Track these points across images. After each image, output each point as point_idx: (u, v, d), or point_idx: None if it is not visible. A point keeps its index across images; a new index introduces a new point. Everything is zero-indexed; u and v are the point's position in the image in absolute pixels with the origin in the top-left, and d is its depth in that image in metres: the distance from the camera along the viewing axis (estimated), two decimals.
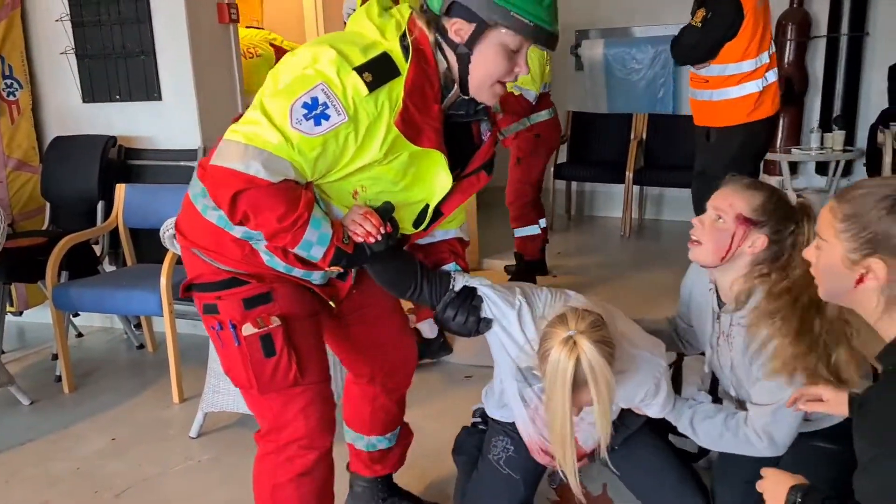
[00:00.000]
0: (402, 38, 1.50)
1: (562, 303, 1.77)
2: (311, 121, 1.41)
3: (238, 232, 1.59)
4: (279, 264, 1.63)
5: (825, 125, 5.21)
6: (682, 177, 5.32)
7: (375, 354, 1.98)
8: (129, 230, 3.43)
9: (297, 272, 1.65)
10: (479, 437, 2.16)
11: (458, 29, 1.51)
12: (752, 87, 3.47)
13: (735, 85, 3.45)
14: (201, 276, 1.65)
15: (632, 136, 5.58)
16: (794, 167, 5.41)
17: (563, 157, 5.83)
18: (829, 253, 1.28)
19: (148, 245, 3.37)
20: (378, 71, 1.44)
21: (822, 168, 5.38)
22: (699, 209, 3.63)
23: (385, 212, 1.58)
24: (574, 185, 6.07)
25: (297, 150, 1.43)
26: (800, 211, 1.78)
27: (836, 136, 5.00)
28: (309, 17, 5.00)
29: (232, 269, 1.62)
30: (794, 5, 5.23)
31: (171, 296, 2.91)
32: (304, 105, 1.41)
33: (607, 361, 1.56)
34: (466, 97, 1.60)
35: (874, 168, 4.93)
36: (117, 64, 3.55)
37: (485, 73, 1.54)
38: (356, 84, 1.42)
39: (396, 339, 2.00)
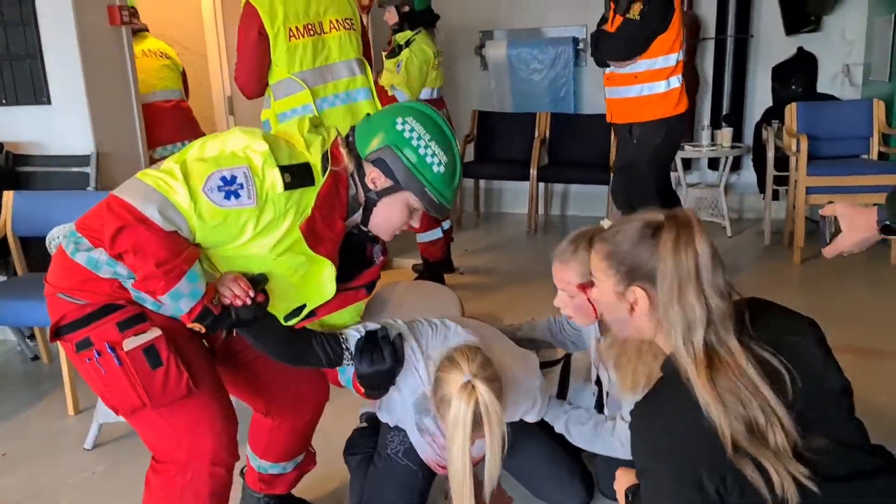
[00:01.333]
0: (325, 156, 1.64)
1: (442, 337, 1.83)
2: (223, 193, 1.51)
3: (106, 273, 1.56)
4: (147, 300, 1.60)
5: (715, 123, 5.48)
6: (584, 173, 5.53)
7: (260, 391, 1.96)
8: (19, 239, 3.32)
9: (167, 309, 1.60)
10: (372, 437, 2.20)
11: (375, 178, 1.69)
12: (676, 81, 3.62)
13: (664, 79, 3.59)
14: (66, 315, 1.59)
15: (535, 135, 5.73)
16: (687, 163, 5.67)
17: (469, 155, 5.94)
18: (603, 290, 1.41)
19: (39, 254, 3.27)
20: (298, 176, 1.58)
21: (713, 164, 5.66)
22: (623, 203, 3.85)
23: (257, 281, 1.62)
24: (482, 182, 6.19)
25: (199, 213, 1.51)
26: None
27: (725, 133, 5.26)
28: (209, 22, 4.91)
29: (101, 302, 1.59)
30: (685, 9, 5.47)
31: None
32: (223, 178, 1.52)
33: (498, 398, 1.64)
34: (365, 227, 1.77)
35: (760, 162, 5.23)
36: (2, 67, 3.43)
37: (385, 221, 1.75)
38: (275, 180, 1.54)
39: (287, 377, 1.95)
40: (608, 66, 3.74)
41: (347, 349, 1.76)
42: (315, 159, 1.62)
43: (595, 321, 1.95)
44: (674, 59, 3.60)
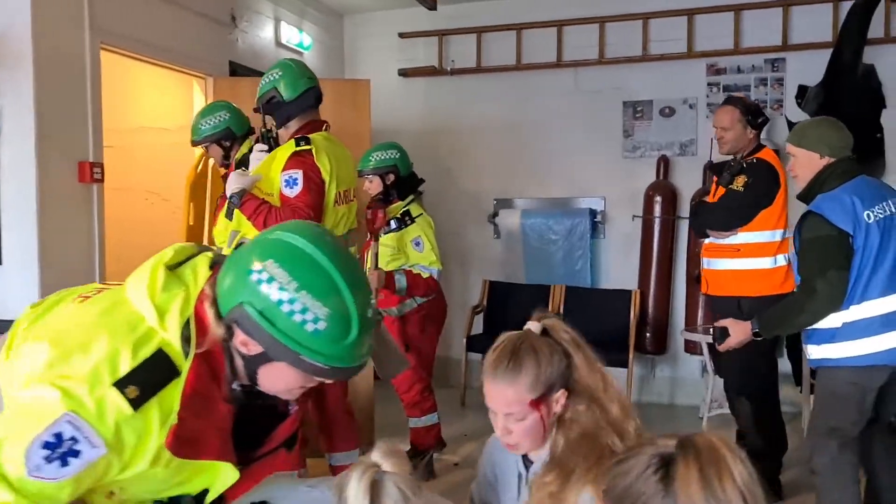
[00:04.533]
0: (185, 327, 1.24)
1: None
2: (56, 462, 1.12)
3: None
4: None
5: None
6: (600, 353, 5.03)
7: None
8: None
9: None
10: None
11: (245, 342, 1.26)
12: (783, 259, 3.50)
13: (770, 255, 3.50)
14: None
15: (549, 308, 5.33)
16: None
17: (478, 327, 5.53)
18: None
19: None
20: (147, 380, 1.19)
21: None
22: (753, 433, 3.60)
23: None
24: None
25: (39, 501, 1.12)
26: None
27: None
28: None
29: None
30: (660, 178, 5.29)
31: None
32: (45, 445, 1.11)
33: None
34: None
35: (795, 351, 4.72)
36: None
37: (275, 387, 1.33)
38: (117, 404, 1.16)
39: None
40: (707, 236, 3.68)
41: None
42: (172, 335, 1.22)
43: (546, 441, 1.63)
44: (780, 234, 3.53)
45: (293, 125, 2.99)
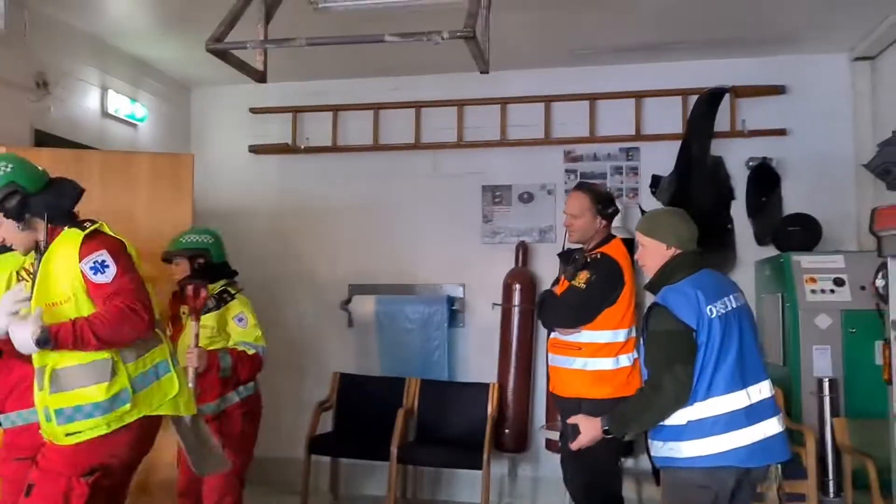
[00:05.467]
0: None
1: None
2: None
3: None
4: None
5: None
6: (455, 454, 4.68)
7: None
8: None
9: None
10: None
11: None
12: (626, 360, 3.37)
13: (612, 356, 3.38)
14: None
15: (403, 403, 4.94)
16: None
17: (326, 425, 5.06)
18: None
19: None
20: None
21: None
22: (581, 496, 3.48)
23: None
24: (343, 460, 5.20)
25: None
26: None
27: None
28: None
29: None
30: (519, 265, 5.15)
31: None
32: None
33: None
34: None
35: None
36: None
37: None
38: None
39: None
40: (554, 330, 3.53)
41: None
42: None
43: None
44: (623, 334, 3.39)
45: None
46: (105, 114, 4.72)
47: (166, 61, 5.16)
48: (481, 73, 3.69)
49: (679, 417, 2.53)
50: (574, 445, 2.70)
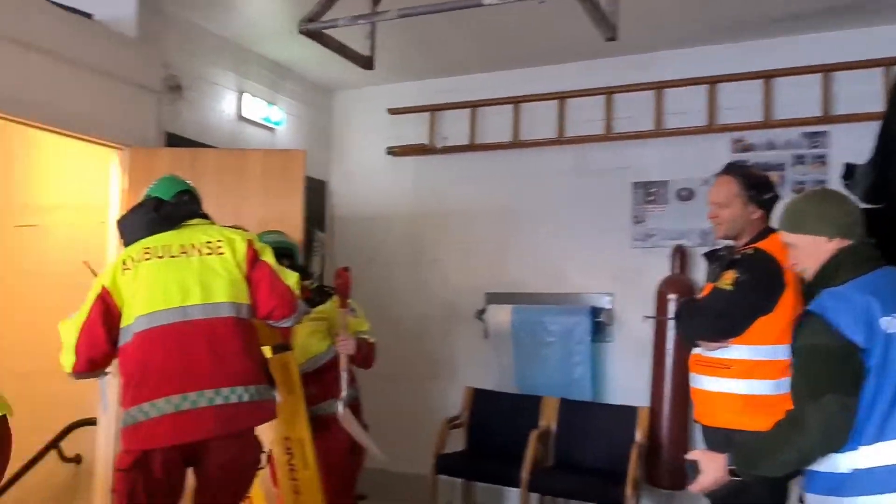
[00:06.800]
0: None
1: None
2: None
3: None
4: None
5: None
6: (592, 486, 4.10)
7: None
8: None
9: None
10: None
11: None
12: (787, 385, 2.52)
13: (771, 378, 2.61)
14: None
15: (538, 426, 4.43)
16: None
17: (458, 444, 4.67)
18: None
19: None
20: None
21: None
22: None
23: None
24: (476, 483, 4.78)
25: None
26: None
27: None
28: None
29: None
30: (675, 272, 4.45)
31: None
32: None
33: None
34: None
35: None
36: None
37: None
38: None
39: None
40: (696, 345, 2.81)
41: None
42: None
43: None
44: (784, 352, 2.40)
45: None
46: (241, 117, 4.71)
47: (305, 64, 5.09)
48: (607, 40, 3.17)
49: (840, 464, 1.88)
50: (694, 488, 2.10)
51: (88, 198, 4.14)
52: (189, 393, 2.36)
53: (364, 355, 3.35)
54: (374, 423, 4.95)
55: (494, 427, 4.64)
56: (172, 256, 2.49)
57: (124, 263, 2.49)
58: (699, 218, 4.50)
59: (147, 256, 2.50)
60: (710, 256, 3.03)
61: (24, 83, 3.30)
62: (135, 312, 2.42)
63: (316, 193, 5.44)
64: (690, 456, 2.11)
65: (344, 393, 3.23)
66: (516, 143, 5.02)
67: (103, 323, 2.42)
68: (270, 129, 4.98)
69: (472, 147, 5.14)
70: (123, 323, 2.43)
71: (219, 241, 2.56)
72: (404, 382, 5.09)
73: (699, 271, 4.43)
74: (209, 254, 2.52)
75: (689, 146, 4.60)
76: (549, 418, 4.49)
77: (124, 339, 2.42)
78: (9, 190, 4.45)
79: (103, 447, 3.56)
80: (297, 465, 2.97)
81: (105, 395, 2.65)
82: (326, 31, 3.18)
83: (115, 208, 3.69)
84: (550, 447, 4.43)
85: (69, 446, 4.05)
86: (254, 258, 2.58)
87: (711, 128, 4.54)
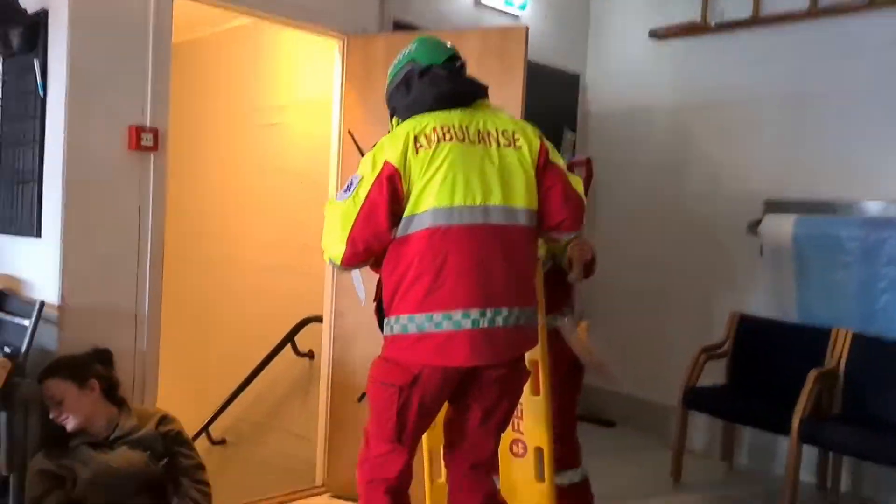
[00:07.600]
0: None
1: None
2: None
3: None
4: None
5: None
6: (891, 445, 3.23)
7: None
8: None
9: None
10: None
11: None
12: None
13: None
14: None
15: (824, 364, 3.59)
16: None
17: (719, 375, 3.99)
18: None
19: None
20: None
21: None
22: None
23: None
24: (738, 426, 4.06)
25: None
26: None
27: None
28: None
29: None
30: None
31: None
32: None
33: None
34: None
35: None
36: (11, 191, 2.98)
37: None
38: None
39: None
40: None
41: None
42: None
43: None
44: None
45: None
46: (478, 3, 4.29)
47: None
48: None
49: None
50: None
51: (317, 93, 4.08)
52: (487, 309, 2.03)
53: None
54: (624, 345, 4.50)
55: (765, 362, 3.87)
56: (472, 142, 2.09)
57: (416, 140, 2.05)
58: None
59: (448, 136, 2.07)
60: None
61: None
62: (429, 202, 2.03)
63: (568, 88, 4.91)
64: None
65: (577, 306, 2.78)
66: (814, 13, 3.96)
67: (389, 209, 2.03)
68: (515, 15, 4.50)
69: (755, 21, 4.18)
70: (409, 211, 2.04)
71: (514, 131, 2.14)
72: (661, 301, 4.50)
73: None
74: (507, 145, 2.11)
75: None
76: (837, 356, 3.60)
77: (408, 229, 2.04)
78: (256, 91, 4.58)
79: (326, 346, 3.53)
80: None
81: (361, 287, 2.33)
82: None
83: (337, 102, 3.54)
84: (837, 393, 3.56)
85: (303, 342, 4.15)
86: (546, 158, 2.15)
87: None
